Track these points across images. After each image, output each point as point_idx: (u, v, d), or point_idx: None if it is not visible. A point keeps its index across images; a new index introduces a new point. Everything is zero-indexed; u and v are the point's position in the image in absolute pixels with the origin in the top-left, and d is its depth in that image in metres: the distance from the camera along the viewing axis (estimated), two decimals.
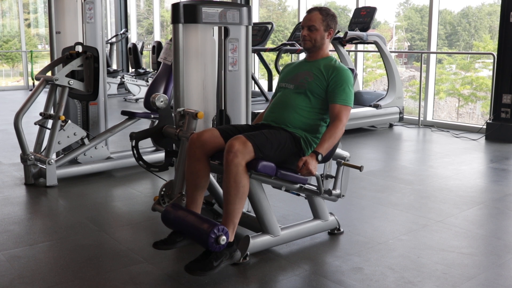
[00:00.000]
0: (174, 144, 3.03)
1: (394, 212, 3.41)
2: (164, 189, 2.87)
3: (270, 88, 7.87)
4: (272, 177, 2.57)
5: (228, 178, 2.42)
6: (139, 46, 10.37)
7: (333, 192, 2.74)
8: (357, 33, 6.49)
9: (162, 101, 2.97)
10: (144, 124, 5.71)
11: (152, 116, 4.47)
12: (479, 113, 9.41)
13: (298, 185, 2.71)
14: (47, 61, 11.77)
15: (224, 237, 2.33)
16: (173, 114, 2.98)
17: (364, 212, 3.43)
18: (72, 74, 4.18)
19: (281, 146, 2.59)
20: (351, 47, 8.12)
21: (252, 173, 2.52)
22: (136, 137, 2.96)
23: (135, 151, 2.99)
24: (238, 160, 2.41)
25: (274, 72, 7.64)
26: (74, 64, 4.12)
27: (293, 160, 2.64)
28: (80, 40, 4.51)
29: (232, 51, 3.08)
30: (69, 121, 4.12)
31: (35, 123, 4.15)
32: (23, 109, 4.07)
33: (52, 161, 3.96)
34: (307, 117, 2.72)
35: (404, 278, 2.44)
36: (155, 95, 3.03)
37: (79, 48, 4.29)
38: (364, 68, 9.38)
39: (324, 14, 2.79)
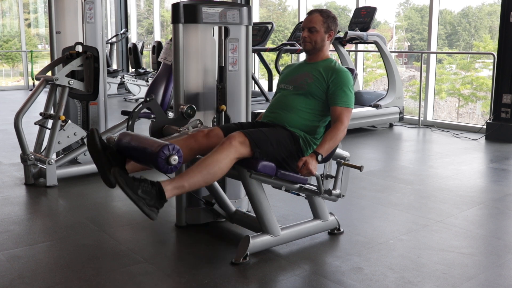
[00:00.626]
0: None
1: (394, 212, 3.41)
2: None
3: (270, 88, 7.87)
4: (272, 177, 2.58)
5: (213, 154, 2.41)
6: (139, 46, 10.36)
7: (333, 192, 2.74)
8: (357, 33, 6.49)
9: (190, 111, 2.95)
10: (144, 124, 5.71)
11: (152, 116, 4.47)
12: (479, 113, 9.41)
13: (298, 185, 2.71)
14: (47, 61, 11.77)
15: (176, 157, 2.19)
16: (168, 114, 2.97)
17: (364, 212, 3.43)
18: (72, 74, 4.18)
19: (279, 143, 2.59)
20: (351, 47, 8.12)
21: (252, 173, 2.53)
22: (154, 101, 2.89)
23: (130, 120, 2.95)
24: (231, 150, 2.43)
25: (274, 72, 7.64)
26: (74, 64, 4.12)
27: (292, 160, 2.64)
28: (80, 40, 4.51)
29: (232, 51, 3.08)
30: (69, 121, 4.11)
31: (35, 123, 4.15)
32: (23, 109, 4.07)
33: (52, 161, 3.96)
34: (306, 118, 2.73)
35: (404, 278, 2.44)
36: (184, 106, 2.98)
37: (79, 48, 4.29)
38: (364, 68, 9.38)
39: (325, 16, 2.79)
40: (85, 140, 4.19)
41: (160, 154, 2.16)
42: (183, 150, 2.50)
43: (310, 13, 2.83)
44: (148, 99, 2.99)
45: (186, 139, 2.62)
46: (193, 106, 2.95)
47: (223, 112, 3.13)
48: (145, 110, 4.53)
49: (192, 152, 2.61)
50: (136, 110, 2.99)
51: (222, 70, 3.10)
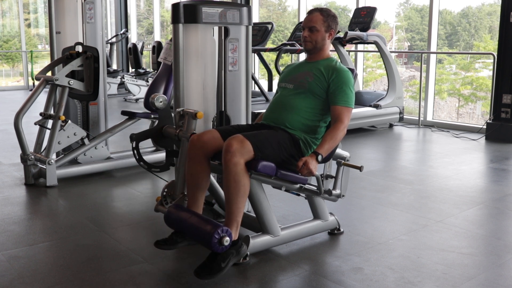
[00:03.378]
0: (174, 144, 3.02)
1: (394, 212, 3.41)
2: (166, 190, 2.87)
3: (270, 88, 7.87)
4: (272, 177, 2.57)
5: (228, 178, 2.42)
6: (139, 46, 10.36)
7: (333, 192, 2.74)
8: (357, 33, 6.49)
9: (161, 102, 2.96)
10: (144, 124, 5.71)
11: (152, 116, 4.47)
12: (479, 113, 9.41)
13: (298, 185, 2.71)
14: (47, 61, 11.76)
15: (227, 238, 2.33)
16: (173, 114, 2.98)
17: (364, 212, 3.43)
18: (72, 74, 4.18)
19: (280, 145, 2.59)
20: (351, 47, 8.12)
21: (252, 173, 2.53)
22: (136, 138, 2.96)
23: (135, 152, 2.99)
24: (236, 159, 2.41)
25: (274, 72, 7.64)
26: (74, 64, 4.12)
27: (292, 161, 2.64)
28: (80, 40, 4.51)
29: (232, 51, 3.08)
30: (69, 121, 4.11)
31: (35, 123, 4.15)
32: (23, 109, 4.07)
33: (52, 161, 3.96)
34: (307, 117, 2.72)
35: (404, 278, 2.44)
36: (154, 95, 3.03)
37: (79, 48, 4.29)
38: (364, 68, 9.38)
39: (325, 15, 2.79)
40: (85, 140, 4.19)
41: (213, 239, 2.31)
42: (198, 168, 2.63)
43: (310, 12, 2.83)
44: (132, 143, 2.99)
45: (190, 156, 2.64)
46: (164, 96, 3.03)
47: (223, 112, 3.12)
48: (145, 110, 4.54)
49: (204, 160, 2.63)
50: (138, 157, 3.01)
51: (223, 93, 3.12)
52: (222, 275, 2.40)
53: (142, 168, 3.04)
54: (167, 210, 2.62)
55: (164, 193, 2.86)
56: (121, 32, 12.09)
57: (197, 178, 2.62)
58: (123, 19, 13.22)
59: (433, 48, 7.21)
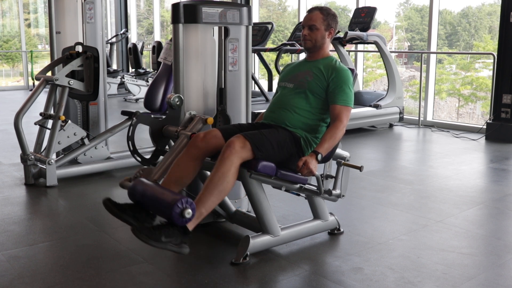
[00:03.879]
0: (171, 141, 3.02)
1: (394, 212, 3.41)
2: (140, 172, 2.80)
3: (270, 88, 7.87)
4: (272, 177, 2.57)
5: (217, 169, 2.42)
6: (139, 46, 10.36)
7: (333, 192, 2.74)
8: (357, 33, 6.49)
9: (177, 101, 2.95)
10: (144, 125, 5.71)
11: (153, 116, 4.47)
12: (479, 113, 9.41)
13: (298, 185, 2.71)
14: (47, 61, 11.76)
15: (189, 211, 2.24)
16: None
17: (364, 212, 3.43)
18: (72, 74, 4.18)
19: (280, 144, 2.59)
20: (351, 47, 8.12)
21: (252, 173, 2.53)
22: (140, 117, 2.94)
23: (130, 144, 2.97)
24: (233, 158, 2.42)
25: (274, 72, 7.64)
26: (74, 64, 4.12)
27: (293, 160, 2.64)
28: (80, 40, 4.51)
29: (232, 51, 3.08)
30: (69, 121, 4.11)
31: (35, 123, 4.15)
32: (23, 109, 4.07)
33: (52, 161, 3.96)
34: (307, 117, 2.72)
35: (404, 278, 2.44)
36: (171, 95, 2.99)
37: (79, 48, 4.29)
38: (364, 68, 9.38)
39: (325, 14, 2.79)
40: (85, 140, 4.19)
41: (175, 208, 2.23)
42: (188, 164, 2.56)
43: (310, 11, 2.83)
44: (134, 118, 3.00)
45: (187, 151, 2.61)
46: (180, 95, 2.95)
47: (223, 112, 3.12)
48: (145, 110, 4.54)
49: (198, 160, 2.61)
50: (130, 135, 3.01)
51: (222, 92, 3.11)
52: (214, 274, 2.40)
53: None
54: (134, 181, 2.51)
55: (137, 175, 2.78)
56: (121, 32, 12.09)
57: (182, 172, 2.58)
58: (123, 19, 13.22)
59: (433, 48, 7.21)
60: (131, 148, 2.99)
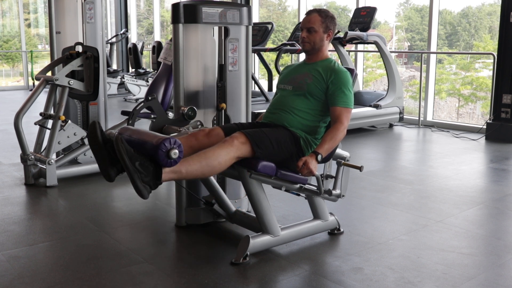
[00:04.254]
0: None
1: (394, 212, 3.41)
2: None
3: (270, 88, 7.87)
4: (272, 177, 2.58)
5: (215, 148, 2.42)
6: (139, 46, 10.36)
7: (333, 192, 2.74)
8: (357, 33, 6.49)
9: (191, 113, 2.95)
10: (144, 124, 5.71)
11: (152, 116, 4.47)
12: (479, 113, 9.41)
13: (298, 185, 2.71)
14: (47, 61, 11.76)
15: (176, 151, 2.19)
16: (170, 114, 2.97)
17: (364, 212, 3.43)
18: (72, 74, 4.18)
19: (280, 143, 2.60)
20: (351, 47, 8.12)
21: (252, 173, 2.53)
22: (155, 100, 2.90)
23: (131, 117, 2.96)
24: (232, 149, 2.44)
25: (274, 72, 7.64)
26: (74, 64, 4.12)
27: (293, 160, 2.64)
28: (80, 40, 4.51)
29: (232, 51, 3.08)
30: (69, 121, 4.11)
31: (35, 123, 4.15)
32: (23, 109, 4.07)
33: (52, 161, 3.96)
34: (306, 118, 2.73)
35: (404, 278, 2.44)
36: (184, 107, 2.98)
37: (79, 48, 4.29)
38: (364, 68, 9.38)
39: (323, 16, 2.79)
40: (85, 140, 4.19)
41: (161, 147, 2.15)
42: (184, 148, 2.51)
43: (309, 13, 2.83)
44: (150, 98, 2.99)
45: (187, 137, 2.63)
46: (194, 107, 2.95)
47: (223, 111, 3.12)
48: (145, 110, 4.54)
49: (193, 150, 2.61)
50: (137, 108, 3.00)
51: (222, 68, 3.10)
52: (214, 274, 2.40)
53: None
54: (122, 127, 2.46)
55: None
56: (121, 32, 12.09)
57: (192, 142, 2.60)
58: (123, 19, 13.22)
59: (433, 48, 7.21)
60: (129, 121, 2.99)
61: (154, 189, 2.28)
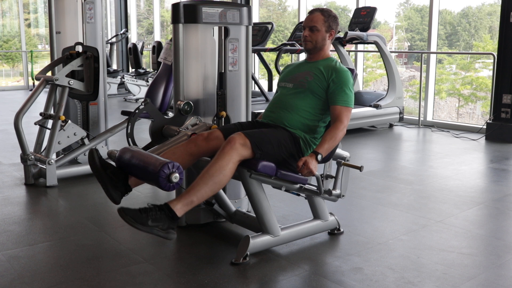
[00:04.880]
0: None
1: (394, 212, 3.41)
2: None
3: (270, 88, 7.87)
4: (272, 177, 2.58)
5: (215, 162, 2.42)
6: (139, 46, 10.37)
7: (333, 192, 2.74)
8: (357, 33, 6.49)
9: (187, 108, 2.95)
10: (144, 124, 5.71)
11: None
12: (479, 113, 9.41)
13: (298, 185, 2.71)
14: (47, 61, 11.76)
15: (177, 175, 2.21)
16: (170, 114, 2.96)
17: (364, 212, 3.43)
18: (72, 74, 4.18)
19: (280, 144, 2.59)
20: (351, 47, 8.12)
21: (252, 173, 2.53)
22: (149, 105, 2.92)
23: (130, 141, 2.97)
24: (233, 154, 2.42)
25: (274, 72, 7.64)
26: (74, 64, 4.12)
27: (293, 160, 2.64)
28: (80, 40, 4.51)
29: (232, 51, 3.08)
30: (69, 121, 4.11)
31: (35, 123, 4.15)
32: (23, 109, 4.07)
33: (52, 161, 3.96)
34: (306, 117, 2.72)
35: (404, 278, 2.44)
36: (181, 101, 2.98)
37: (79, 48, 4.29)
38: (364, 68, 9.38)
39: (326, 15, 2.79)
40: (85, 140, 4.19)
41: (161, 173, 2.19)
42: (184, 156, 2.55)
43: (311, 12, 2.83)
44: (143, 104, 3.00)
45: (186, 144, 2.61)
46: (190, 102, 2.94)
47: (223, 119, 3.12)
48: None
49: (194, 157, 2.61)
50: (133, 117, 3.00)
51: (222, 76, 3.10)
52: (214, 274, 2.40)
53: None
54: (122, 148, 2.48)
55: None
56: (121, 32, 12.09)
57: (174, 160, 2.52)
58: (123, 19, 13.22)
59: (433, 48, 7.21)
60: (130, 144, 2.99)
61: (176, 226, 2.36)
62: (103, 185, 2.37)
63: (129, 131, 3.00)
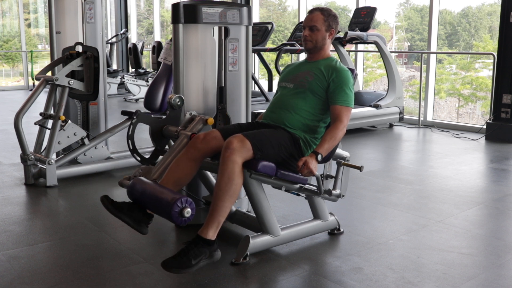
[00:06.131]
0: (171, 141, 3.02)
1: (394, 212, 3.41)
2: (140, 171, 2.80)
3: (270, 88, 7.87)
4: (272, 177, 2.57)
5: (222, 174, 2.41)
6: (139, 46, 10.37)
7: (333, 192, 2.74)
8: (357, 33, 6.49)
9: (178, 101, 2.95)
10: (144, 124, 5.71)
11: (153, 116, 4.46)
12: (479, 113, 9.41)
13: (298, 185, 2.71)
14: (47, 61, 11.77)
15: (189, 210, 2.24)
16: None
17: (364, 212, 3.43)
18: (72, 74, 4.18)
19: (280, 145, 2.59)
20: (351, 47, 8.12)
21: (252, 173, 2.52)
22: (140, 116, 2.95)
23: (130, 143, 2.98)
24: (234, 158, 2.40)
25: (274, 72, 7.64)
26: (74, 64, 4.12)
27: (293, 161, 2.64)
28: (80, 40, 4.51)
29: (232, 51, 3.08)
30: (69, 121, 4.11)
31: (35, 123, 4.15)
32: (23, 109, 4.07)
33: (52, 161, 3.96)
34: (306, 117, 2.72)
35: (404, 278, 2.44)
36: (172, 95, 2.99)
37: (79, 48, 4.30)
38: (364, 68, 9.38)
39: (326, 15, 2.79)
40: (85, 140, 4.19)
41: (174, 208, 2.22)
42: (188, 164, 2.56)
43: (311, 12, 2.83)
44: (134, 116, 3.00)
45: (186, 151, 2.60)
46: (181, 96, 2.94)
47: (223, 111, 3.12)
48: (145, 110, 4.54)
49: (197, 162, 2.60)
50: (130, 134, 3.01)
51: (222, 90, 3.09)
52: (214, 274, 2.40)
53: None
54: (133, 180, 2.51)
55: (136, 174, 2.79)
56: (121, 32, 12.09)
57: (181, 172, 2.57)
58: (123, 19, 13.22)
59: (433, 48, 7.21)
60: (131, 147, 2.99)
61: (217, 244, 2.40)
62: (126, 223, 2.41)
63: (129, 133, 3.00)
